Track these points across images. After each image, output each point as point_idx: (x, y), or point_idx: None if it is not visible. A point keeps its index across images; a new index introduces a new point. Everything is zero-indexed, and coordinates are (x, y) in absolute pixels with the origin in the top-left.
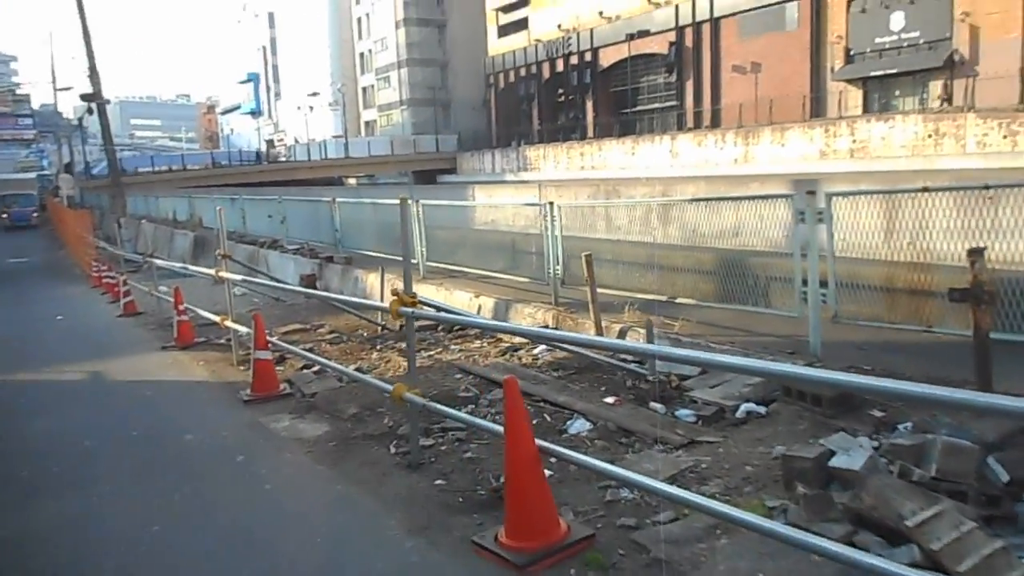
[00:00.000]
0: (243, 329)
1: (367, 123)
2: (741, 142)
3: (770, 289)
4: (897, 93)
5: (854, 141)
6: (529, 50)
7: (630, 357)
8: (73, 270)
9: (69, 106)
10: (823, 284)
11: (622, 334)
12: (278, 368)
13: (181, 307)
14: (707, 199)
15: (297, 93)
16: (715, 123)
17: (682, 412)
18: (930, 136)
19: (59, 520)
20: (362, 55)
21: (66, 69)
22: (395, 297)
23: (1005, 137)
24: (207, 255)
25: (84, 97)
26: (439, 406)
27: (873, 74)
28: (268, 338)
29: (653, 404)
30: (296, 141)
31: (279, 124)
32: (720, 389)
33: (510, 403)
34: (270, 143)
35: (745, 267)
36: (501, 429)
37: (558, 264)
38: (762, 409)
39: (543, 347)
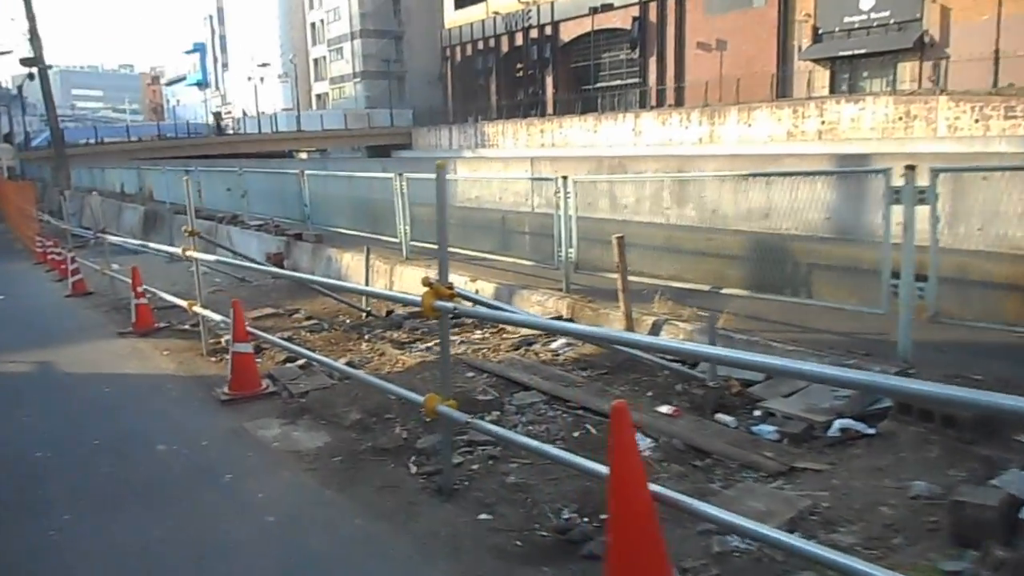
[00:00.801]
0: (215, 316)
1: (318, 96)
2: (707, 121)
3: (828, 279)
4: (865, 74)
5: (823, 122)
6: (487, 22)
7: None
8: (14, 245)
9: (7, 75)
10: (918, 278)
11: (656, 328)
12: (255, 360)
13: (139, 289)
14: (782, 174)
15: (245, 64)
16: (679, 102)
17: (762, 428)
18: (900, 119)
19: (3, 562)
20: (313, 25)
21: (2, 33)
22: (428, 288)
23: (977, 121)
24: (158, 230)
25: (24, 62)
26: (491, 426)
27: (841, 54)
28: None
29: (720, 416)
30: (244, 114)
31: (227, 96)
32: (799, 399)
33: (620, 437)
34: (217, 115)
35: (794, 253)
36: (587, 464)
37: (571, 247)
38: (869, 429)
39: (562, 341)
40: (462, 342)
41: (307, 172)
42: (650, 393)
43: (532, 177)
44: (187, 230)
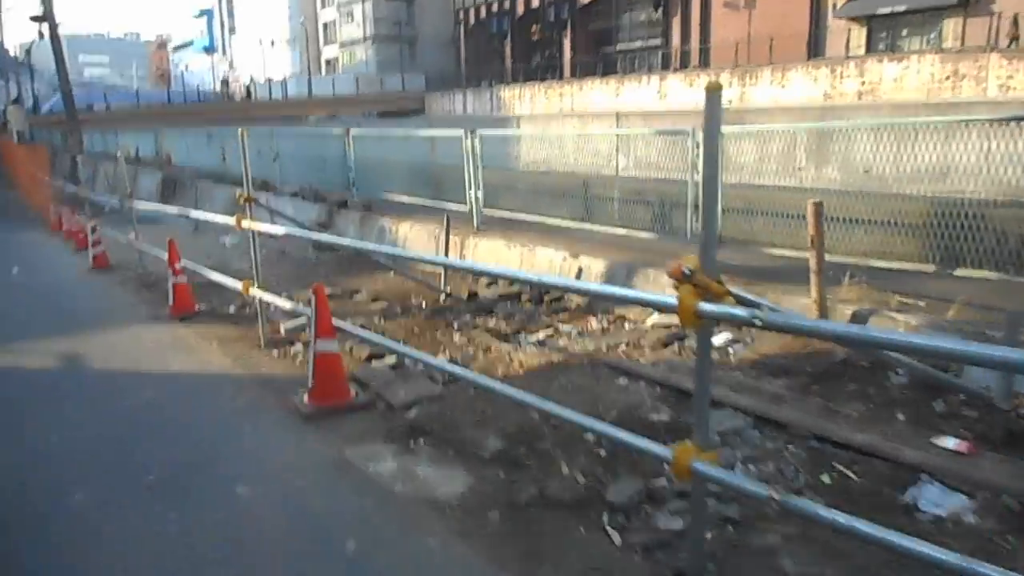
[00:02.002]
0: (282, 303)
1: (328, 61)
2: (737, 83)
3: None
4: (905, 32)
5: (863, 83)
6: None
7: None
8: (27, 213)
9: (13, 43)
10: None
11: (859, 320)
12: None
13: (178, 265)
14: (969, 120)
15: (253, 29)
16: (704, 63)
17: None
18: (948, 78)
19: None
20: None
21: None
22: (688, 284)
23: None
24: (178, 196)
25: (34, 19)
26: (804, 503)
27: (880, 11)
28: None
29: None
30: (252, 80)
31: (234, 62)
32: None
33: None
34: (225, 81)
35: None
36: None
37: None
38: None
39: (727, 335)
40: (580, 333)
41: (353, 132)
42: (901, 415)
43: (660, 131)
44: (242, 196)
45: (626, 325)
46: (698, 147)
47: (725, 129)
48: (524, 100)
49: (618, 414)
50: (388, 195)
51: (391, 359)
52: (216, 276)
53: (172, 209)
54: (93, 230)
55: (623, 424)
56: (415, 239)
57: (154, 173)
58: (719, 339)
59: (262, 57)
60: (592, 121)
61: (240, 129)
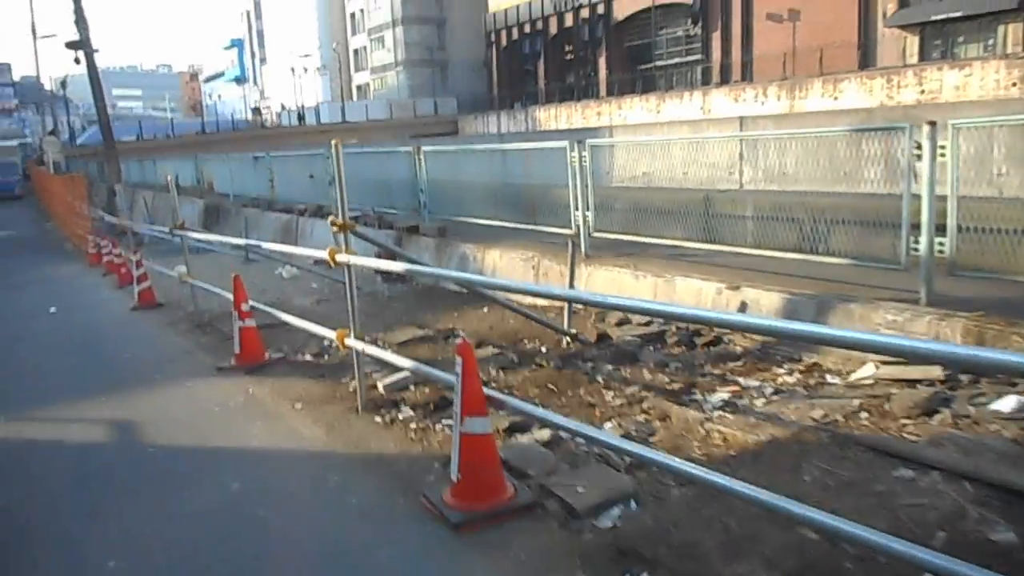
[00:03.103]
0: (386, 356)
1: (359, 87)
2: (786, 96)
3: None
4: (960, 39)
5: (922, 92)
6: (534, 4)
7: None
8: (63, 245)
9: (47, 76)
10: None
11: None
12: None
13: (245, 307)
14: None
15: (283, 58)
16: (745, 76)
17: None
18: (1015, 84)
19: None
20: (353, 15)
21: (47, 25)
22: None
23: None
24: (222, 224)
25: (70, 45)
26: None
27: (935, 18)
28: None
29: None
30: (283, 107)
31: (265, 91)
32: None
33: None
34: (256, 110)
35: None
36: None
37: (941, 235)
38: None
39: (1016, 400)
40: (776, 392)
41: (426, 148)
42: None
43: (862, 128)
44: (336, 223)
45: (827, 377)
46: (918, 148)
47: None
48: (560, 119)
49: (945, 535)
50: (465, 218)
51: (542, 433)
52: (299, 322)
53: (236, 240)
54: (139, 264)
55: (955, 550)
56: (506, 268)
57: (194, 201)
58: (1007, 405)
59: (293, 85)
60: (676, 130)
61: (333, 141)
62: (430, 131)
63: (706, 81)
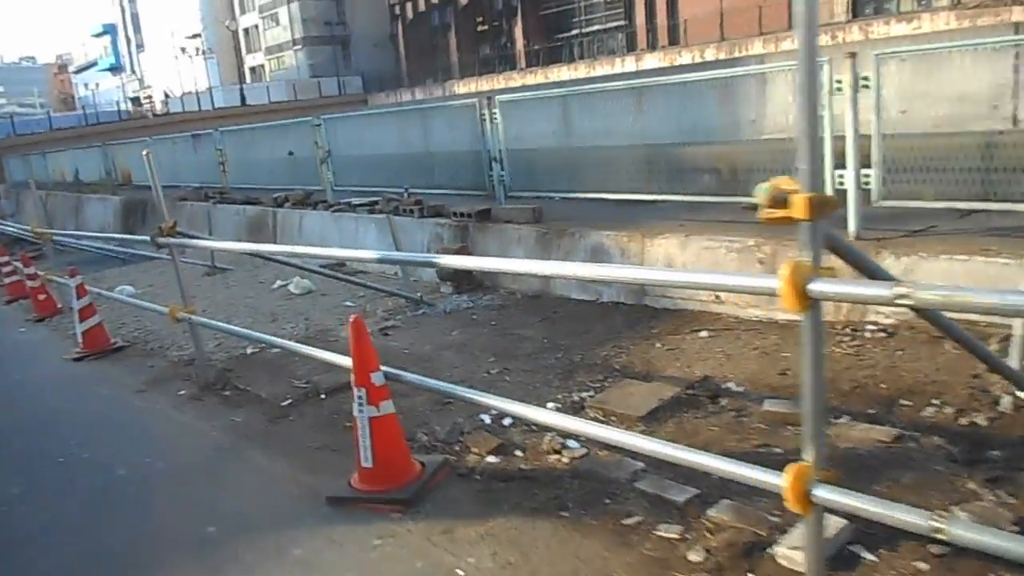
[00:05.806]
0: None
1: (252, 69)
2: (724, 57)
3: None
4: None
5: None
6: None
7: None
8: None
9: None
10: None
11: None
12: None
13: (377, 378)
14: None
15: (164, 43)
16: (673, 41)
17: None
18: (964, 37)
19: None
20: None
21: None
22: None
23: None
24: (147, 226)
25: None
26: None
27: None
28: None
29: None
30: (166, 95)
31: (144, 79)
32: None
33: None
34: (135, 100)
35: None
36: None
37: None
38: None
39: None
40: None
41: (500, 98)
42: None
43: None
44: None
45: None
46: None
47: None
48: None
49: None
50: (579, 194)
51: None
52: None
53: (274, 247)
54: (80, 292)
55: None
56: (704, 262)
57: (107, 199)
58: None
59: (177, 71)
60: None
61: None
62: (337, 112)
63: (631, 47)
